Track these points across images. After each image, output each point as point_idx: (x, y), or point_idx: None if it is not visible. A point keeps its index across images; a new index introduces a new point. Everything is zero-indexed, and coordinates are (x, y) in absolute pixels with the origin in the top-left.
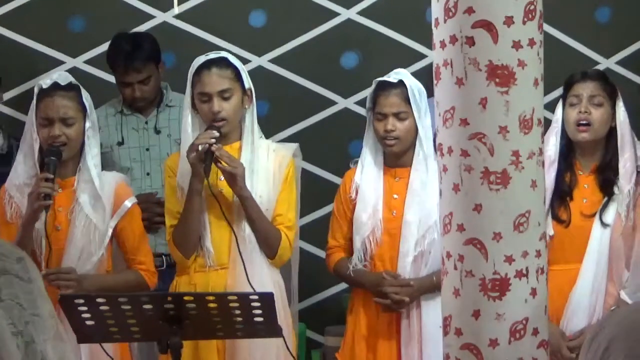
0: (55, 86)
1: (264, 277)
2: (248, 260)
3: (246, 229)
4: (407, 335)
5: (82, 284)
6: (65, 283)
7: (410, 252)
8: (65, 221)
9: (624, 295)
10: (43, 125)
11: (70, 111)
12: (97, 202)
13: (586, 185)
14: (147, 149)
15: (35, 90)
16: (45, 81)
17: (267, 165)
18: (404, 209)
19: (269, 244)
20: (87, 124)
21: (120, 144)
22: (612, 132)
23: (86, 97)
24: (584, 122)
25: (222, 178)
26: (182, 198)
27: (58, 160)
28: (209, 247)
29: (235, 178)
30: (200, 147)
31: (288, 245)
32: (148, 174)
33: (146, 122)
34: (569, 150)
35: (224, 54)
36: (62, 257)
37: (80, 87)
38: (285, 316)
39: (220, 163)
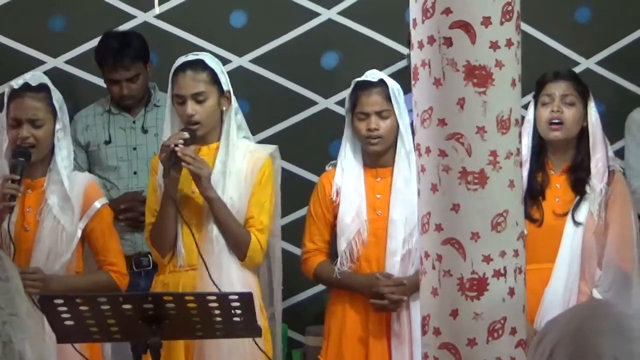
0: (26, 87)
1: (233, 279)
2: (216, 261)
3: (214, 230)
4: (398, 336)
5: (50, 284)
6: (30, 283)
7: (398, 251)
8: (33, 222)
9: (596, 294)
10: (12, 126)
11: (40, 112)
12: (66, 204)
13: (558, 184)
14: (135, 148)
15: (7, 90)
16: (16, 81)
17: (241, 167)
18: (389, 208)
19: (237, 245)
20: (58, 126)
21: (108, 142)
22: (583, 132)
23: (57, 98)
24: (556, 120)
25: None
26: (160, 196)
27: (26, 162)
28: (180, 247)
29: (199, 178)
30: (167, 148)
31: (259, 247)
32: (135, 173)
33: (134, 122)
34: (540, 149)
35: (202, 55)
36: (30, 258)
37: (51, 88)
38: (259, 318)
39: (186, 164)
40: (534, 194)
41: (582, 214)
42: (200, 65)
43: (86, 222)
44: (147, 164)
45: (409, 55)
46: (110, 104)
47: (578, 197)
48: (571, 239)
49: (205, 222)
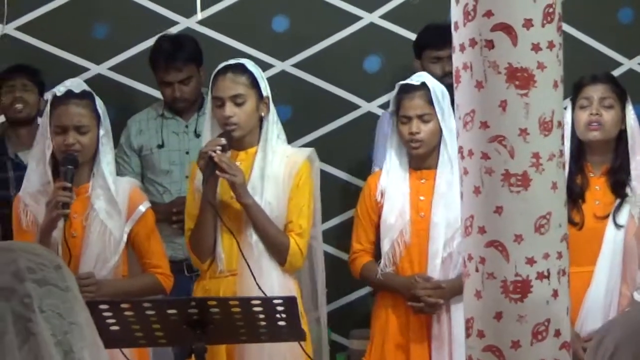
0: (69, 94)
1: (273, 283)
2: (256, 266)
3: (253, 236)
4: (438, 339)
5: (101, 289)
6: (86, 289)
7: (439, 253)
8: (80, 228)
9: (637, 296)
10: (57, 133)
11: (85, 119)
12: (112, 208)
13: (597, 187)
14: (187, 152)
15: (49, 97)
16: (58, 89)
17: (278, 172)
18: (431, 211)
19: (276, 250)
20: (101, 132)
21: (161, 146)
22: (621, 135)
23: (99, 104)
24: (595, 123)
25: None
26: (199, 201)
27: (75, 169)
28: (219, 253)
29: (234, 186)
30: (205, 154)
31: (298, 251)
32: (187, 177)
33: (186, 126)
34: (579, 152)
35: (243, 60)
36: (78, 264)
37: (94, 94)
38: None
39: (222, 171)
40: (574, 196)
41: (623, 217)
42: (240, 68)
43: (131, 226)
44: None
45: None
46: (163, 108)
47: (619, 200)
48: (612, 241)
49: (245, 228)
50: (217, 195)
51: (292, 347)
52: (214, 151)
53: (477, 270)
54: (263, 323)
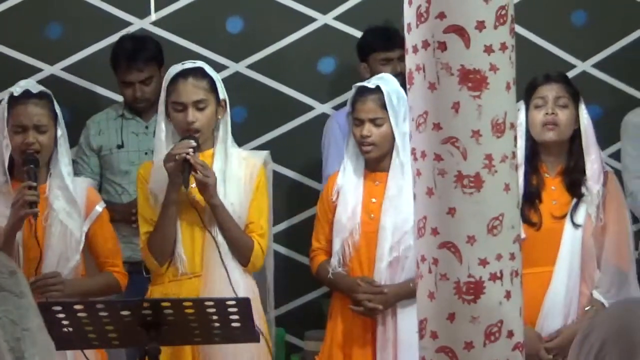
0: (27, 94)
1: (239, 284)
2: (221, 267)
3: (218, 236)
4: (382, 342)
5: (66, 289)
6: (53, 287)
7: (385, 256)
8: (40, 228)
9: (597, 295)
10: (16, 132)
11: (44, 119)
12: (72, 208)
13: (553, 187)
14: (146, 153)
15: (6, 97)
16: (15, 89)
17: (239, 174)
18: (381, 214)
19: (241, 251)
20: (59, 132)
21: (120, 147)
22: (575, 134)
23: (56, 104)
24: (551, 122)
25: (194, 185)
26: (155, 205)
27: (37, 168)
28: (181, 254)
29: (207, 187)
30: (177, 157)
31: (260, 252)
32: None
33: (146, 127)
34: (534, 153)
35: (200, 63)
36: (40, 264)
37: (51, 95)
38: (259, 322)
39: (195, 172)
40: (531, 197)
41: (580, 216)
42: (200, 72)
43: (89, 225)
44: None
45: None
46: (123, 108)
47: (575, 199)
48: (571, 241)
49: (210, 228)
50: (181, 196)
51: (257, 345)
52: (187, 153)
53: (430, 272)
54: (217, 324)
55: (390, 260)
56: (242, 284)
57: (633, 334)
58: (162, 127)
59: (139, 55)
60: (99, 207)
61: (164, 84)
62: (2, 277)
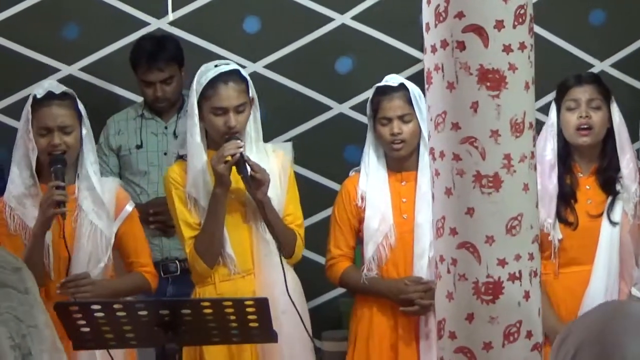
0: (51, 95)
1: (288, 278)
2: (272, 263)
3: (267, 233)
4: (426, 339)
5: (94, 289)
6: (83, 289)
7: (425, 253)
8: (70, 229)
9: (635, 292)
10: (41, 135)
11: (68, 119)
12: (100, 208)
13: (588, 186)
14: (165, 153)
15: (29, 99)
16: (38, 90)
17: (271, 167)
18: (415, 212)
19: (287, 244)
20: (84, 131)
21: (139, 147)
22: (608, 133)
23: (80, 104)
24: (585, 126)
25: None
26: (194, 208)
27: (64, 168)
28: (230, 254)
29: (263, 184)
30: (232, 157)
31: (301, 243)
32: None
33: (165, 127)
34: (567, 153)
35: (234, 65)
36: (69, 264)
37: (74, 95)
38: (303, 315)
39: (254, 171)
40: (566, 197)
41: (616, 214)
42: (238, 76)
43: (118, 226)
44: None
45: None
46: (143, 108)
47: (611, 197)
48: (608, 239)
49: (255, 225)
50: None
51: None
52: (241, 153)
53: (448, 272)
54: (234, 324)
55: (430, 257)
56: (290, 278)
57: (607, 339)
58: (197, 130)
59: (160, 55)
60: (129, 207)
61: (196, 86)
62: (5, 273)
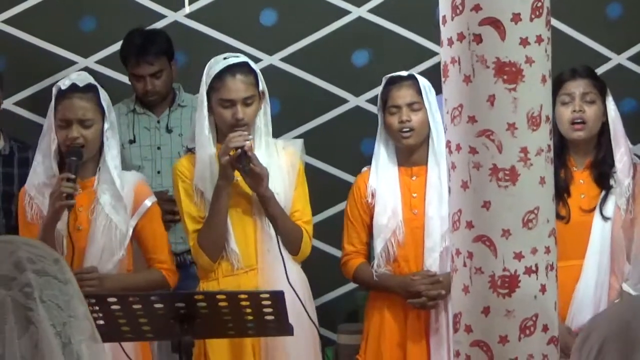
0: (74, 87)
1: (294, 275)
2: (277, 258)
3: (271, 229)
4: (436, 335)
5: (104, 284)
6: (88, 283)
7: (436, 247)
8: (86, 221)
9: (626, 288)
10: (61, 127)
11: (89, 113)
12: (117, 202)
13: (582, 180)
14: (159, 148)
15: (54, 91)
16: (63, 82)
17: (280, 163)
18: (425, 205)
19: (292, 241)
20: (106, 125)
21: (132, 142)
22: (603, 128)
23: (104, 97)
24: (579, 120)
25: (238, 179)
26: (200, 201)
27: (79, 161)
28: (234, 249)
29: (262, 179)
30: (238, 149)
31: (309, 240)
32: (159, 172)
33: (158, 121)
34: (562, 147)
35: (243, 57)
36: (83, 257)
37: (99, 87)
38: (311, 311)
39: (253, 164)
40: (559, 191)
41: (609, 209)
42: (247, 68)
43: (137, 220)
44: (170, 163)
45: None
46: (134, 103)
47: (604, 192)
48: (600, 234)
49: (259, 220)
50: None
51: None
52: (244, 146)
53: (465, 265)
54: (250, 317)
55: (441, 250)
56: (296, 275)
57: (632, 330)
58: (205, 122)
59: (149, 48)
60: (148, 202)
61: (205, 78)
62: (47, 263)
